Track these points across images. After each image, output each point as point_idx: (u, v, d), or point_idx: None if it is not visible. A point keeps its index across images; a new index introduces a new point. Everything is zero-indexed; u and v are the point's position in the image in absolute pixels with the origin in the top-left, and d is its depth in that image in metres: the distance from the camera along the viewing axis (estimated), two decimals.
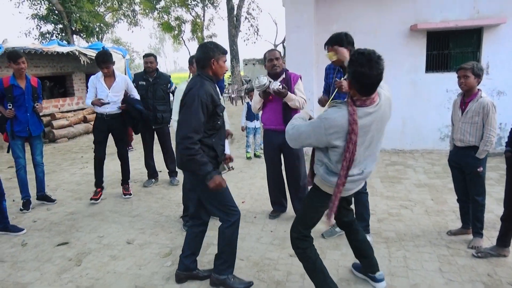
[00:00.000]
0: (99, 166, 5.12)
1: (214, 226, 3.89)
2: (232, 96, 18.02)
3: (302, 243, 2.69)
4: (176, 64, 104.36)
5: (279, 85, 3.82)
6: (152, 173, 5.86)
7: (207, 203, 2.91)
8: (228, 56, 21.35)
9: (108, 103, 4.88)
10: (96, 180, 5.16)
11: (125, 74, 12.25)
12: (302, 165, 4.18)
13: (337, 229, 3.85)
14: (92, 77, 4.99)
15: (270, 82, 3.94)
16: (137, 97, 5.21)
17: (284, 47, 23.40)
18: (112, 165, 7.07)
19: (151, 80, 5.46)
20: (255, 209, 4.60)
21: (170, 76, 5.77)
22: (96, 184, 5.17)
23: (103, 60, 4.82)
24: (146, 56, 5.57)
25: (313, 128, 2.36)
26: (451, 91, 6.86)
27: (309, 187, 2.70)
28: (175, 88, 5.74)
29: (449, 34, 6.91)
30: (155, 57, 5.62)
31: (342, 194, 2.48)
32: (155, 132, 5.67)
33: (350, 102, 2.32)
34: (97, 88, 4.92)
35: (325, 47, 3.42)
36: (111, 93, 4.92)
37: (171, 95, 5.66)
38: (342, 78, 3.45)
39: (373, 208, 4.46)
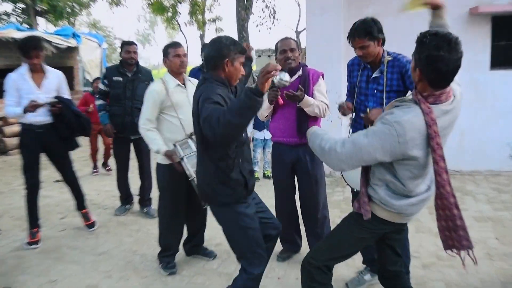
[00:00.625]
0: (34, 198, 4.84)
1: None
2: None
3: (321, 276, 2.68)
4: (186, 55, 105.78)
5: (287, 76, 3.64)
6: (126, 197, 5.85)
7: (230, 243, 3.06)
8: None
9: (47, 105, 4.55)
10: (30, 217, 4.84)
11: (101, 67, 12.42)
12: (322, 191, 4.13)
13: (367, 276, 3.77)
14: (10, 75, 4.58)
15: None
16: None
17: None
18: None
19: (130, 75, 5.47)
20: None
21: (151, 72, 5.80)
22: (31, 222, 4.85)
23: (35, 46, 4.56)
24: (127, 44, 5.59)
25: (379, 137, 2.29)
26: None
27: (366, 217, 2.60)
28: None
29: None
30: (137, 46, 5.68)
31: (400, 220, 2.53)
32: (131, 144, 5.66)
33: (422, 99, 2.32)
34: (21, 90, 4.55)
35: (349, 41, 3.36)
36: (42, 94, 4.63)
37: None
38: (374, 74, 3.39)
39: (417, 249, 4.39)
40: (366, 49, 3.30)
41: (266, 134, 7.25)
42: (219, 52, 2.81)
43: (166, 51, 4.03)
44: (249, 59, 3.60)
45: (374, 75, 3.44)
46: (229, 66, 2.82)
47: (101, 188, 6.95)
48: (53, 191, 6.87)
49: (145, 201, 5.81)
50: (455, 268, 4.04)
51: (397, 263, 2.88)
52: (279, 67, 2.51)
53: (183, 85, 4.05)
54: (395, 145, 2.27)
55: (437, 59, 2.20)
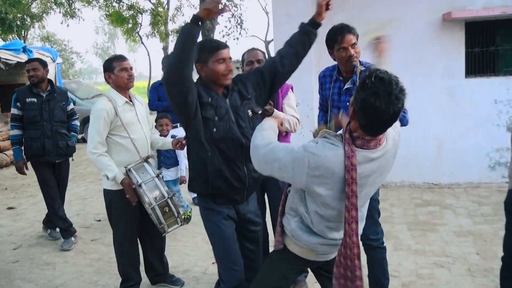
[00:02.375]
0: None
1: None
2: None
3: None
4: (133, 68, 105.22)
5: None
6: (67, 227, 5.67)
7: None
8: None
9: None
10: None
11: (56, 83, 12.25)
12: None
13: None
14: None
15: None
16: None
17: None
18: (30, 213, 6.98)
19: (45, 95, 5.41)
20: None
21: (67, 91, 5.79)
22: None
23: None
24: (27, 61, 5.59)
25: (294, 159, 2.28)
26: (501, 102, 6.95)
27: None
28: (73, 109, 5.74)
29: (495, 25, 7.06)
30: (42, 63, 5.50)
31: (316, 258, 2.53)
32: (54, 167, 5.61)
33: (348, 139, 2.26)
34: None
35: (337, 39, 3.34)
36: None
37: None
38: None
39: (396, 268, 4.43)
40: (357, 47, 3.35)
41: (177, 172, 6.01)
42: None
43: (110, 65, 3.92)
44: None
45: (346, 87, 3.48)
46: (204, 70, 2.97)
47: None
48: (4, 219, 6.72)
49: (49, 222, 5.81)
50: (436, 287, 4.10)
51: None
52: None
53: (131, 102, 3.98)
54: (303, 174, 2.24)
55: (372, 107, 2.13)
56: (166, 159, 5.85)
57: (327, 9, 3.02)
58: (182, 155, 5.79)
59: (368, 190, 2.40)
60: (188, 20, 2.83)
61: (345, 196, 2.24)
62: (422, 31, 7.11)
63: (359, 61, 3.48)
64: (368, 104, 2.13)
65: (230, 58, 3.01)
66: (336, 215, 2.36)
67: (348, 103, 3.36)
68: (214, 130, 2.92)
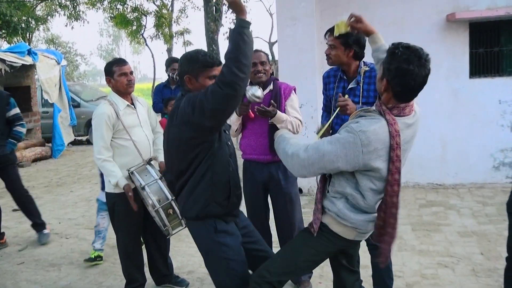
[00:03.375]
0: None
1: None
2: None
3: None
4: (137, 70, 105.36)
5: (260, 92, 3.68)
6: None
7: (213, 275, 2.95)
8: None
9: None
10: None
11: (60, 85, 12.31)
12: (297, 209, 4.16)
13: None
14: None
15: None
16: None
17: None
18: None
19: None
20: None
21: (10, 95, 5.74)
22: None
23: None
24: None
25: (343, 145, 2.40)
26: (506, 103, 6.97)
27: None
28: (17, 114, 5.75)
29: (500, 25, 7.07)
30: None
31: (354, 236, 2.62)
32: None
33: (386, 110, 2.46)
34: None
35: (325, 36, 3.50)
36: None
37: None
38: (345, 91, 3.48)
39: (400, 268, 4.45)
40: (334, 50, 3.42)
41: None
42: (181, 67, 2.87)
43: (110, 69, 3.92)
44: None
45: (350, 86, 3.52)
46: (193, 83, 2.83)
47: (63, 216, 6.88)
48: (10, 221, 6.76)
49: (36, 225, 5.82)
50: (440, 287, 4.12)
51: (352, 279, 2.96)
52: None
53: (132, 106, 4.01)
54: (358, 154, 2.38)
55: (407, 72, 2.36)
56: None
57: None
58: None
59: (406, 156, 2.57)
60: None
61: (390, 161, 2.41)
62: (426, 31, 7.12)
63: (363, 62, 3.52)
64: (403, 70, 2.37)
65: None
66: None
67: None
68: (229, 142, 2.93)
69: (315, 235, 2.66)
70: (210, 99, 2.51)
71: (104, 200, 4.42)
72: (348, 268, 2.93)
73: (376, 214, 2.57)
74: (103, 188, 4.78)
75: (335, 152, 2.41)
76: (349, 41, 3.40)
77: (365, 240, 3.47)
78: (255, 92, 3.46)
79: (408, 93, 2.44)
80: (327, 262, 4.60)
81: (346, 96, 3.41)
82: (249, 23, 2.54)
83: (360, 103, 3.44)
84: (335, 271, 3.01)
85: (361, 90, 3.47)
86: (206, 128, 2.65)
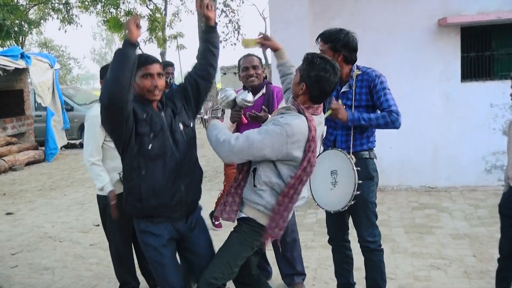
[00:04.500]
0: None
1: None
2: (205, 117, 18.07)
3: None
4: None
5: (250, 97, 3.68)
6: None
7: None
8: None
9: None
10: None
11: (54, 89, 12.28)
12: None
13: None
14: None
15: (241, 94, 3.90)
16: None
17: None
18: (28, 218, 7.01)
19: None
20: None
21: None
22: None
23: None
24: None
25: (271, 135, 2.72)
26: (497, 106, 7.00)
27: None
28: None
29: (491, 29, 7.12)
30: None
31: None
32: None
33: (304, 108, 2.84)
34: None
35: (316, 41, 3.54)
36: None
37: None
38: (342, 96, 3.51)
39: (393, 271, 4.46)
40: (324, 55, 3.45)
41: None
42: None
43: (105, 72, 3.94)
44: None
45: (342, 90, 3.54)
46: (134, 84, 2.85)
47: (56, 220, 6.86)
48: (3, 225, 6.74)
49: None
50: None
51: (255, 266, 3.18)
52: (139, 19, 2.78)
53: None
54: (283, 144, 2.72)
55: (324, 79, 2.80)
56: None
57: (208, 8, 3.11)
58: None
59: (317, 149, 2.90)
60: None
61: (303, 151, 2.78)
62: (417, 36, 7.16)
63: (356, 66, 3.55)
64: (321, 77, 2.80)
65: (160, 74, 2.94)
66: None
67: (344, 106, 3.47)
68: (150, 147, 2.87)
69: (247, 231, 2.90)
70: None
71: None
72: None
73: (298, 202, 2.90)
74: None
75: (263, 141, 2.72)
76: (337, 46, 3.41)
77: (358, 242, 3.53)
78: (245, 97, 3.46)
79: (323, 96, 2.89)
80: (320, 264, 4.66)
81: (340, 100, 3.46)
82: (130, 42, 2.71)
83: (353, 106, 3.47)
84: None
85: (353, 93, 3.49)
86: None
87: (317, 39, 3.52)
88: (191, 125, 3.14)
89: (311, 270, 4.56)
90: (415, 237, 5.38)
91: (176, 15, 29.46)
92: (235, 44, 27.08)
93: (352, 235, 3.73)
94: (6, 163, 10.94)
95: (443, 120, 7.21)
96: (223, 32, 26.47)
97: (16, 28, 20.89)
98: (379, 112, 3.45)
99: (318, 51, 3.57)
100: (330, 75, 2.79)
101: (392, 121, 3.36)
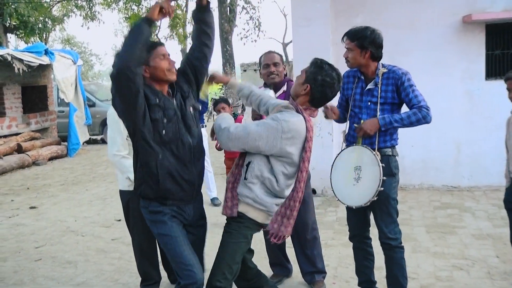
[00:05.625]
0: None
1: None
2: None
3: None
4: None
5: (272, 94, 3.75)
6: None
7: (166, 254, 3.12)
8: (218, 59, 21.33)
9: None
10: None
11: (76, 84, 12.42)
12: (310, 210, 4.18)
13: None
14: None
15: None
16: None
17: None
18: (51, 212, 7.10)
19: None
20: None
21: None
22: None
23: None
24: None
25: (267, 128, 2.86)
26: None
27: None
28: None
29: None
30: None
31: (266, 220, 3.04)
32: None
33: (303, 109, 2.99)
34: None
35: (342, 40, 3.55)
36: None
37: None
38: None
39: (414, 270, 4.43)
40: (351, 53, 3.48)
41: None
42: None
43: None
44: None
45: (368, 87, 3.55)
46: (147, 70, 2.95)
47: (78, 214, 6.94)
48: (27, 218, 6.84)
49: None
50: None
51: (251, 261, 3.31)
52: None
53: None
54: (278, 139, 2.85)
55: (329, 85, 2.96)
56: None
57: None
58: None
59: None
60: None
61: (303, 151, 2.95)
62: (441, 33, 7.08)
63: (382, 64, 3.54)
64: (327, 82, 2.95)
65: (169, 54, 3.05)
66: (294, 172, 3.00)
67: (369, 103, 3.48)
68: (164, 132, 2.93)
69: (238, 227, 3.00)
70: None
71: None
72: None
73: (283, 200, 3.03)
74: None
75: (259, 132, 2.85)
76: (364, 43, 3.42)
77: (379, 240, 3.50)
78: (267, 93, 3.55)
79: (323, 101, 3.07)
80: (340, 263, 4.64)
81: (362, 121, 3.50)
82: (150, 20, 2.84)
83: (378, 104, 3.49)
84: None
85: (379, 91, 3.49)
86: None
87: (342, 38, 3.53)
88: (199, 108, 3.25)
89: (331, 268, 4.55)
90: (437, 236, 5.33)
91: None
92: (255, 41, 26.99)
93: (373, 233, 3.73)
94: (30, 158, 11.10)
95: (466, 118, 7.12)
96: (244, 29, 26.39)
97: (40, 25, 21.12)
98: (407, 109, 3.46)
99: (340, 48, 3.60)
100: (335, 83, 2.95)
101: (423, 117, 3.38)
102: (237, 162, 3.12)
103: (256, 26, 27.13)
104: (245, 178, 2.99)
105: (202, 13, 3.19)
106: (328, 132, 6.90)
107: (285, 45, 32.70)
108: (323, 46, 6.95)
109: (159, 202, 3.01)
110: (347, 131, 3.74)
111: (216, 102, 5.92)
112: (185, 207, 3.09)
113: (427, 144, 7.12)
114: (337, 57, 7.18)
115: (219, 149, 5.68)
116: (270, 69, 4.09)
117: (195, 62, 3.19)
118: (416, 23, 7.12)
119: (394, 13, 7.12)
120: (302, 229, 4.13)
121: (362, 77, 3.61)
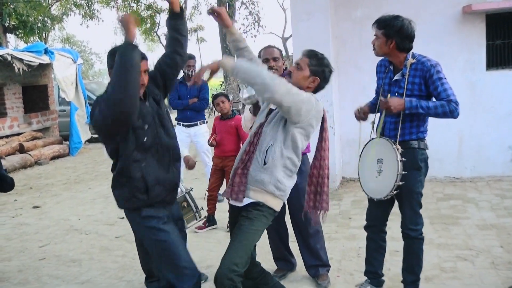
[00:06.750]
0: None
1: None
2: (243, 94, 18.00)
3: (243, 284, 2.95)
4: (151, 68, 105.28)
5: None
6: None
7: (155, 261, 3.10)
8: (219, 56, 21.24)
9: None
10: None
11: (77, 83, 12.40)
12: None
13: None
14: None
15: None
16: None
17: None
18: (54, 211, 7.11)
19: None
20: None
21: None
22: None
23: None
24: None
25: (309, 99, 2.95)
26: None
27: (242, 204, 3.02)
28: None
29: None
30: None
31: (279, 207, 3.08)
32: None
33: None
34: None
35: (372, 26, 3.54)
36: None
37: None
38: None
39: None
40: (377, 41, 3.47)
41: None
42: (107, 63, 3.11)
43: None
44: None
45: (395, 78, 3.54)
46: None
47: (82, 213, 6.95)
48: (31, 218, 6.86)
49: None
50: (459, 280, 4.10)
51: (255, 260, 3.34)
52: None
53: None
54: (311, 111, 2.95)
55: (329, 76, 3.16)
56: None
57: None
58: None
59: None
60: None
61: (323, 130, 3.19)
62: (442, 24, 7.07)
63: (412, 53, 3.54)
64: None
65: (146, 70, 3.01)
66: (304, 148, 3.11)
67: (396, 94, 3.50)
68: (145, 139, 2.93)
69: (258, 216, 2.98)
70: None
71: None
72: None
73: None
74: None
75: (304, 98, 2.92)
76: (390, 32, 3.40)
77: (400, 228, 3.67)
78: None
79: (321, 90, 3.19)
80: (344, 256, 4.64)
81: (389, 96, 3.47)
82: (130, 43, 2.80)
83: (404, 95, 3.45)
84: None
85: (405, 82, 3.46)
86: None
87: (373, 24, 3.51)
88: (168, 111, 3.26)
89: (335, 261, 4.55)
90: (440, 228, 5.33)
91: (196, 8, 29.50)
92: (255, 36, 26.93)
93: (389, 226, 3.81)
94: (32, 157, 11.11)
95: (468, 109, 7.08)
96: (243, 25, 26.35)
97: (39, 24, 21.13)
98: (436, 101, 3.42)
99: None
100: (332, 72, 3.18)
101: (451, 111, 3.36)
102: (247, 149, 3.05)
103: (256, 21, 27.07)
104: (264, 164, 2.96)
105: (175, 20, 3.17)
106: (329, 126, 6.89)
107: (285, 40, 32.64)
108: (323, 40, 6.94)
109: (149, 207, 3.01)
110: (374, 122, 3.75)
111: (215, 96, 5.93)
112: (171, 208, 3.17)
113: (429, 135, 7.02)
114: (337, 51, 7.19)
115: (211, 145, 5.71)
116: (269, 63, 4.07)
117: (166, 68, 3.20)
118: (417, 14, 7.06)
119: (395, 5, 7.07)
120: (305, 222, 4.12)
121: (391, 67, 3.61)
